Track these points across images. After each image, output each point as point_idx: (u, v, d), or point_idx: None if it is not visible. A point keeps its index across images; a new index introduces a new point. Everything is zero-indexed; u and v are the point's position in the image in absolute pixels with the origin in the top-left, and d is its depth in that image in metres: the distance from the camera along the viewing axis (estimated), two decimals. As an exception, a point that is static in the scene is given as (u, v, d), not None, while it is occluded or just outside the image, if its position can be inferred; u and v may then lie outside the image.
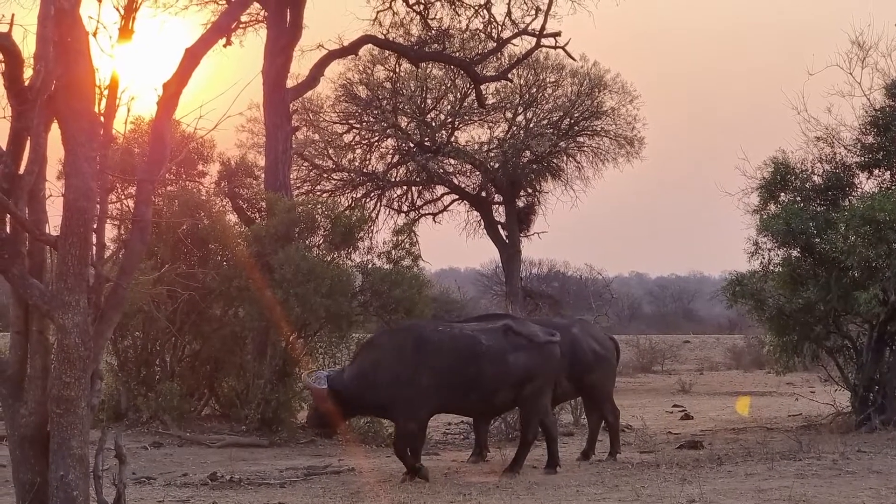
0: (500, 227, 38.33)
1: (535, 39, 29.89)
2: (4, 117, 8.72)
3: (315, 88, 29.14)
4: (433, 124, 36.67)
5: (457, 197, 38.51)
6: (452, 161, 37.39)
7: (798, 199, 19.81)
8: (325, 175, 36.84)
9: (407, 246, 20.70)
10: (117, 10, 8.72)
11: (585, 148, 38.09)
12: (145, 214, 8.92)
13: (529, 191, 38.60)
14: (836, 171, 20.05)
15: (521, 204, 38.54)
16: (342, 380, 14.15)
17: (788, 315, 19.35)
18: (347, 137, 36.88)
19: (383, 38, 29.07)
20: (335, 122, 36.86)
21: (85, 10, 8.50)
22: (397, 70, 35.36)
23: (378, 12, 28.97)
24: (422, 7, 29.49)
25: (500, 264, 39.97)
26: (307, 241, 20.06)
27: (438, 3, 29.65)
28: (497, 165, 36.98)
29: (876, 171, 20.05)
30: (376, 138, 37.05)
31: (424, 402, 14.11)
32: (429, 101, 36.56)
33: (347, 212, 22.65)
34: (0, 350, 13.51)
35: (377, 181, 36.89)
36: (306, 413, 16.80)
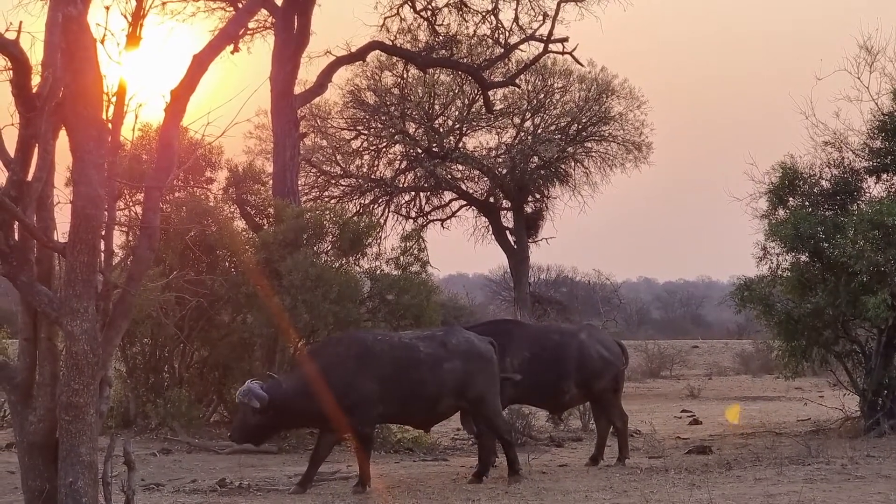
0: (508, 232, 38.31)
1: (542, 45, 29.92)
2: (13, 124, 8.74)
3: (323, 95, 29.20)
4: (441, 130, 36.66)
5: (465, 203, 38.51)
6: (460, 167, 37.38)
7: (806, 203, 19.79)
8: (333, 181, 36.85)
9: (415, 252, 20.69)
10: (125, 17, 8.74)
11: (593, 153, 38.07)
12: (153, 221, 8.93)
13: (537, 196, 38.58)
14: (845, 176, 20.02)
15: (529, 209, 38.52)
16: (282, 390, 13.98)
17: (797, 320, 19.31)
18: (355, 143, 36.89)
19: (391, 44, 29.11)
20: (343, 129, 36.87)
21: (93, 18, 8.53)
22: (405, 76, 35.38)
23: (385, 18, 29.03)
24: (429, 13, 29.53)
25: (509, 270, 39.95)
26: (315, 248, 20.06)
27: (446, 9, 29.70)
28: (505, 171, 36.97)
29: (884, 176, 20.02)
30: (384, 144, 37.06)
31: (371, 408, 14.03)
32: (436, 107, 36.57)
33: (355, 218, 22.64)
34: (9, 357, 13.55)
35: (385, 187, 36.88)
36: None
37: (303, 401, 13.91)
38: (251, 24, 26.67)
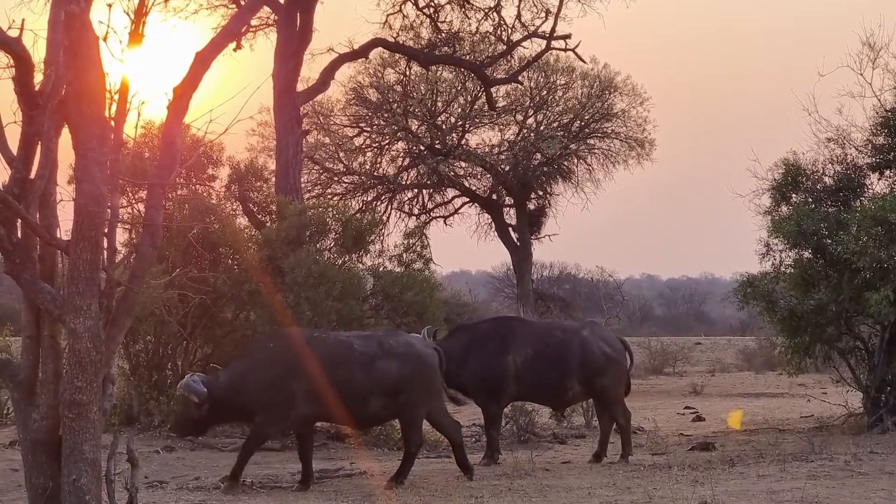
0: (510, 229, 38.34)
1: (545, 42, 29.92)
2: (15, 122, 8.75)
3: (325, 92, 29.22)
4: (444, 127, 36.69)
5: (468, 200, 38.54)
6: (463, 164, 37.42)
7: (809, 200, 19.78)
8: (336, 178, 36.89)
9: (418, 249, 20.69)
10: (127, 14, 8.74)
11: (596, 150, 38.12)
12: (156, 218, 8.94)
13: (540, 193, 38.62)
14: (848, 173, 20.01)
15: (531, 206, 38.56)
16: (219, 385, 13.92)
17: (800, 316, 19.31)
18: (358, 141, 36.94)
19: (393, 41, 29.11)
20: (346, 126, 36.90)
21: (95, 15, 8.53)
22: (407, 73, 35.42)
23: (388, 15, 29.04)
24: (432, 10, 29.52)
25: (512, 267, 40.00)
26: (318, 245, 20.06)
27: (448, 6, 29.69)
28: (508, 168, 37.00)
29: (887, 172, 20.01)
30: (387, 141, 37.10)
31: (291, 408, 13.97)
32: (439, 104, 36.59)
33: (358, 215, 22.66)
34: (12, 355, 13.56)
35: (388, 184, 36.92)
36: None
37: (237, 396, 13.87)
38: (254, 22, 26.67)
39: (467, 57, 31.04)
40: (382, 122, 36.72)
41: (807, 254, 19.53)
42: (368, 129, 37.01)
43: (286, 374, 13.90)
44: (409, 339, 14.76)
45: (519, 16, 29.77)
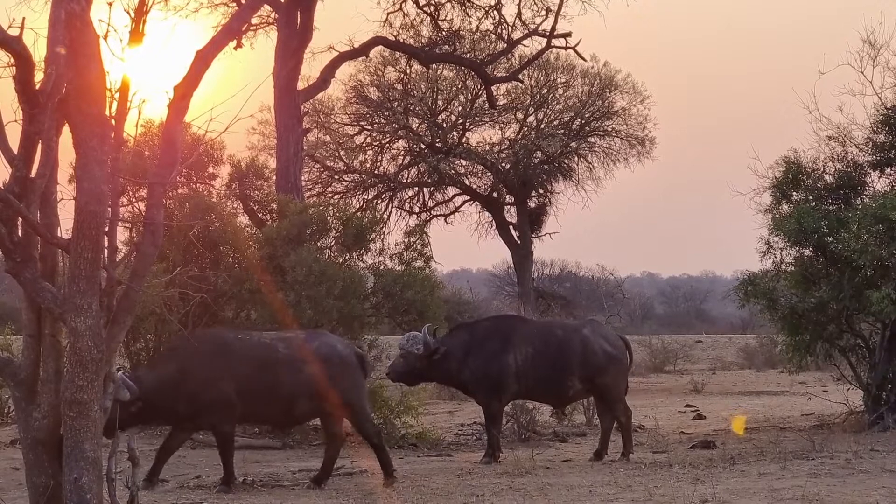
0: (511, 227, 38.33)
1: (545, 40, 29.93)
2: (16, 121, 8.74)
3: (326, 90, 29.23)
4: (444, 125, 36.68)
5: (468, 198, 38.53)
6: (464, 162, 37.40)
7: (810, 198, 19.78)
8: (337, 177, 36.88)
9: (419, 247, 20.70)
10: (128, 13, 8.73)
11: (596, 148, 38.11)
12: (156, 217, 8.93)
13: (541, 191, 38.60)
14: (848, 170, 20.01)
15: (532, 205, 38.55)
16: (145, 384, 13.70)
17: (801, 314, 19.32)
18: (358, 139, 36.92)
19: (394, 39, 29.14)
20: (346, 124, 36.89)
21: (95, 14, 8.53)
22: (408, 71, 35.40)
23: (388, 14, 29.07)
24: (432, 8, 29.53)
25: (512, 265, 39.99)
26: (319, 243, 20.06)
27: (449, 5, 29.71)
28: (508, 166, 36.99)
29: (888, 170, 20.01)
30: (387, 140, 37.09)
31: (235, 405, 13.95)
32: (440, 103, 36.58)
33: (359, 213, 22.66)
34: (13, 353, 13.55)
35: (388, 183, 36.91)
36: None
37: (161, 396, 13.74)
38: (254, 20, 26.69)
39: (468, 55, 31.05)
40: (383, 121, 36.71)
41: (807, 252, 19.54)
42: (369, 127, 37.00)
43: (220, 375, 13.82)
44: (332, 340, 14.65)
45: (519, 14, 29.80)
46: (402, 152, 37.29)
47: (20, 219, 8.66)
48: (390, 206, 37.22)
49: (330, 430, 14.52)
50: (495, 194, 38.24)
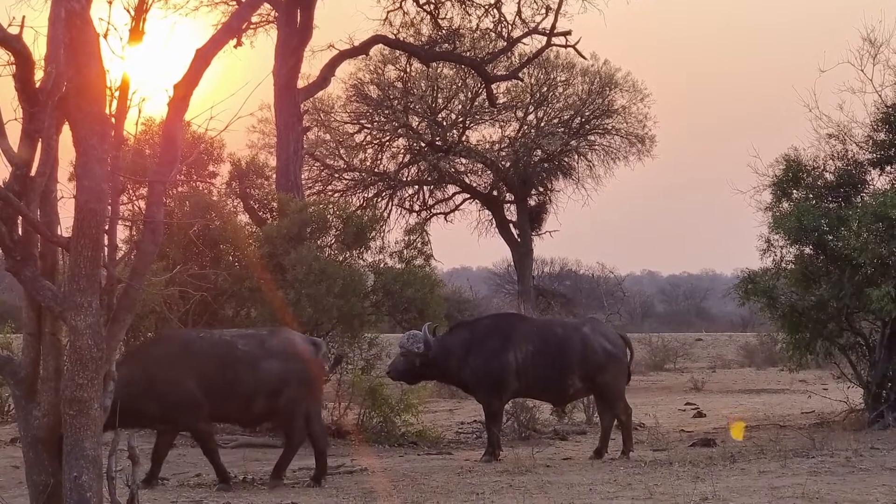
0: (511, 225, 38.35)
1: (545, 38, 29.93)
2: (16, 119, 8.74)
3: (326, 88, 29.25)
4: (444, 124, 36.69)
5: (468, 196, 38.54)
6: (464, 160, 37.42)
7: (810, 196, 19.77)
8: (337, 175, 36.89)
9: (419, 245, 20.72)
10: (128, 11, 8.73)
11: (596, 146, 38.13)
12: (157, 215, 8.93)
13: (541, 189, 38.63)
14: (848, 168, 20.01)
15: (532, 203, 38.57)
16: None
17: (801, 312, 19.32)
18: (359, 137, 36.93)
19: (394, 37, 29.14)
20: (346, 122, 36.90)
21: (95, 12, 8.52)
22: (408, 70, 35.41)
23: (388, 12, 29.08)
24: (432, 7, 29.54)
25: (512, 263, 40.01)
26: (319, 242, 20.07)
27: (449, 3, 29.74)
28: (508, 164, 37.00)
29: (888, 168, 20.01)
30: (387, 138, 37.10)
31: (200, 405, 13.91)
32: (440, 101, 36.60)
33: (359, 212, 22.67)
34: (13, 352, 13.56)
35: (388, 181, 36.92)
36: None
37: (128, 400, 13.65)
38: (254, 19, 26.70)
39: (468, 53, 31.05)
40: (383, 119, 36.72)
41: (808, 250, 19.54)
42: (369, 125, 37.01)
43: (183, 375, 13.79)
44: (291, 337, 14.58)
45: (519, 12, 29.81)
46: (403, 150, 37.32)
47: (20, 217, 8.65)
48: (390, 204, 37.25)
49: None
50: (495, 192, 38.25)
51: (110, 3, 8.60)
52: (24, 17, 8.56)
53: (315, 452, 14.35)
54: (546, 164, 37.66)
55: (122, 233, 18.33)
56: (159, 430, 14.16)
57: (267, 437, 18.66)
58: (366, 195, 36.81)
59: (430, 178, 37.54)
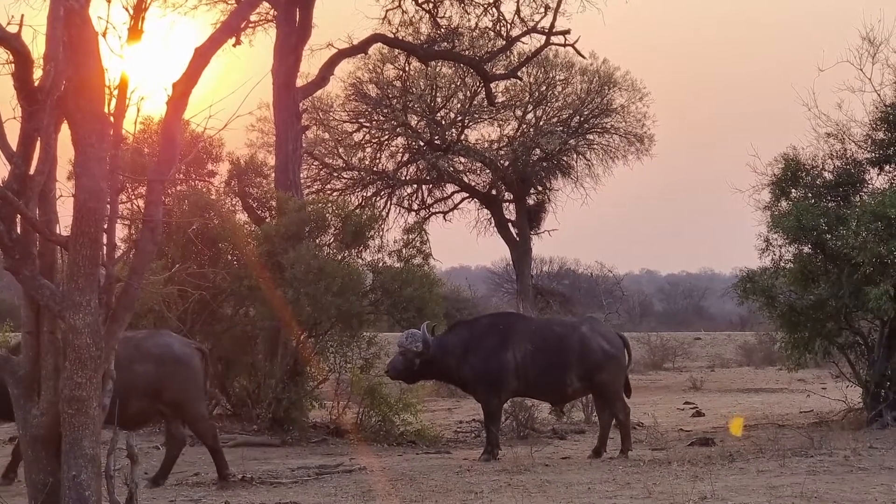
0: (510, 224, 38.34)
1: (544, 37, 29.88)
2: (15, 118, 8.74)
3: (325, 87, 29.18)
4: (443, 122, 36.68)
5: (467, 195, 38.53)
6: (462, 159, 37.41)
7: (809, 195, 19.78)
8: (336, 174, 36.87)
9: (417, 244, 20.71)
10: (127, 10, 8.73)
11: (595, 145, 38.11)
12: (155, 214, 8.93)
13: (539, 188, 38.62)
14: (847, 168, 20.01)
15: (531, 202, 38.57)
16: None
17: (800, 312, 19.32)
18: (357, 136, 36.90)
19: (393, 36, 29.09)
20: (345, 121, 36.88)
21: (94, 11, 8.52)
22: (407, 69, 35.35)
23: (387, 11, 29.02)
24: (431, 5, 29.51)
25: (511, 262, 39.99)
26: (318, 241, 20.07)
27: (447, 2, 29.68)
28: (507, 163, 36.99)
29: (887, 167, 20.01)
30: (386, 137, 37.07)
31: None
32: (438, 100, 36.57)
33: (358, 210, 22.67)
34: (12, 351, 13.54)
35: (387, 180, 36.91)
36: None
37: None
38: (253, 17, 26.63)
39: (466, 52, 31.01)
40: (382, 118, 36.70)
41: (806, 249, 19.54)
42: (368, 124, 36.99)
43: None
44: (168, 339, 14.53)
45: (518, 11, 29.76)
46: (401, 149, 37.30)
47: (19, 216, 8.65)
48: (389, 203, 37.23)
49: (168, 430, 14.49)
50: (494, 191, 38.24)
51: (109, 1, 8.61)
52: (22, 15, 8.58)
53: (165, 454, 14.39)
54: (545, 163, 37.66)
55: (120, 231, 18.33)
56: None
57: (266, 436, 18.67)
58: (364, 194, 36.80)
59: (428, 177, 37.53)
